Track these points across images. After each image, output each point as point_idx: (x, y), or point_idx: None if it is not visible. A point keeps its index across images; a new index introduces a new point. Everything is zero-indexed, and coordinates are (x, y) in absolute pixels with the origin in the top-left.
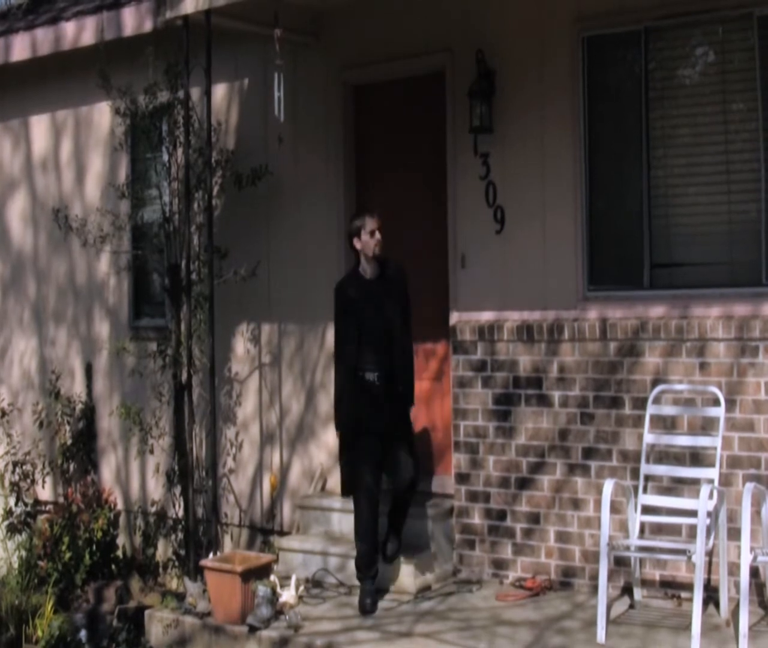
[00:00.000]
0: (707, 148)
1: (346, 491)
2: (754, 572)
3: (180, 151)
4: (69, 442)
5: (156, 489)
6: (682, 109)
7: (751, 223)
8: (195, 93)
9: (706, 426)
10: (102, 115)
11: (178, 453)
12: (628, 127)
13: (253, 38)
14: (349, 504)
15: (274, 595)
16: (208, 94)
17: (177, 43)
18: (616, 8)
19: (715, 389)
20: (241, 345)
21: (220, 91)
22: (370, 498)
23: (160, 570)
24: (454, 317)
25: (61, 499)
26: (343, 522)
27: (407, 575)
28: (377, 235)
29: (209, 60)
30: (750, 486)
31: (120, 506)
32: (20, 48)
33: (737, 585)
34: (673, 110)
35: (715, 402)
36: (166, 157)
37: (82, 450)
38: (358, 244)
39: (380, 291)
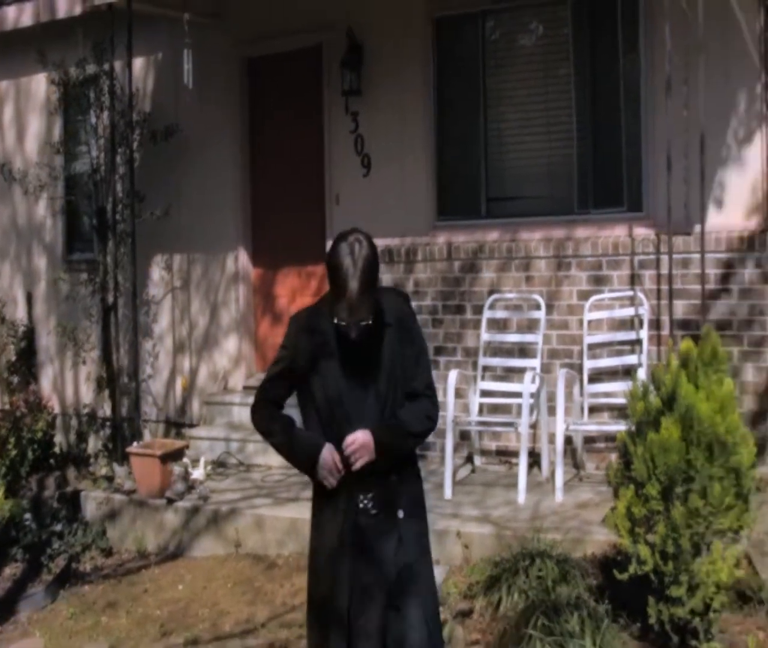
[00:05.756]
0: (532, 106)
1: None
2: (569, 440)
3: (105, 113)
4: (13, 358)
5: (87, 394)
6: (513, 75)
7: (566, 165)
8: (117, 66)
9: (531, 326)
10: (39, 84)
11: (105, 363)
12: (470, 90)
13: (165, 19)
14: (247, 398)
15: (187, 473)
16: (129, 66)
17: (102, 23)
18: None
19: (537, 297)
20: (157, 273)
21: (138, 63)
22: None
23: (92, 461)
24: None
25: (7, 407)
26: (242, 413)
27: None
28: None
29: (130, 38)
30: (564, 372)
31: (57, 410)
32: None
33: (555, 450)
34: (505, 76)
35: (538, 307)
36: (93, 119)
37: (25, 365)
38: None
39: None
